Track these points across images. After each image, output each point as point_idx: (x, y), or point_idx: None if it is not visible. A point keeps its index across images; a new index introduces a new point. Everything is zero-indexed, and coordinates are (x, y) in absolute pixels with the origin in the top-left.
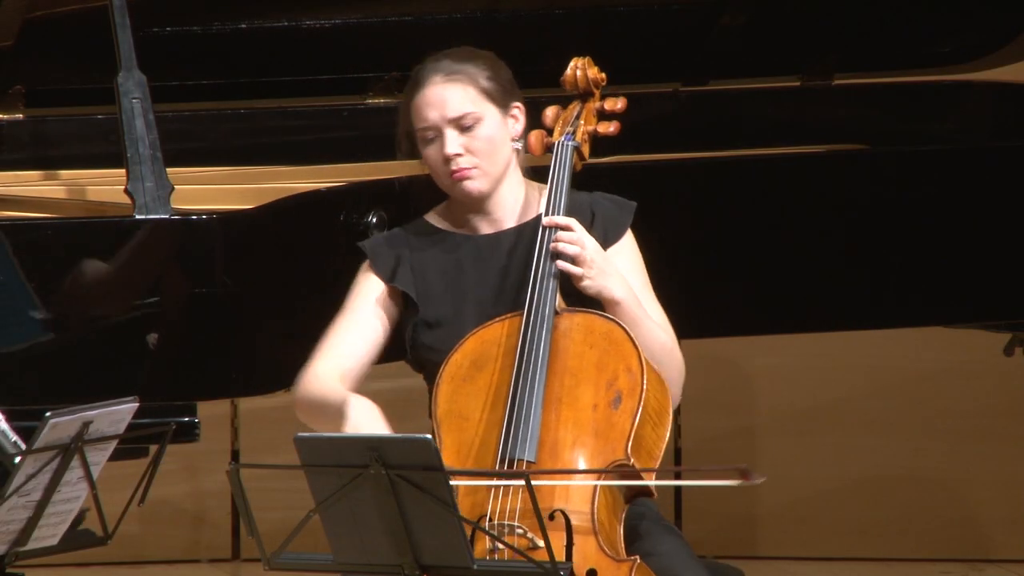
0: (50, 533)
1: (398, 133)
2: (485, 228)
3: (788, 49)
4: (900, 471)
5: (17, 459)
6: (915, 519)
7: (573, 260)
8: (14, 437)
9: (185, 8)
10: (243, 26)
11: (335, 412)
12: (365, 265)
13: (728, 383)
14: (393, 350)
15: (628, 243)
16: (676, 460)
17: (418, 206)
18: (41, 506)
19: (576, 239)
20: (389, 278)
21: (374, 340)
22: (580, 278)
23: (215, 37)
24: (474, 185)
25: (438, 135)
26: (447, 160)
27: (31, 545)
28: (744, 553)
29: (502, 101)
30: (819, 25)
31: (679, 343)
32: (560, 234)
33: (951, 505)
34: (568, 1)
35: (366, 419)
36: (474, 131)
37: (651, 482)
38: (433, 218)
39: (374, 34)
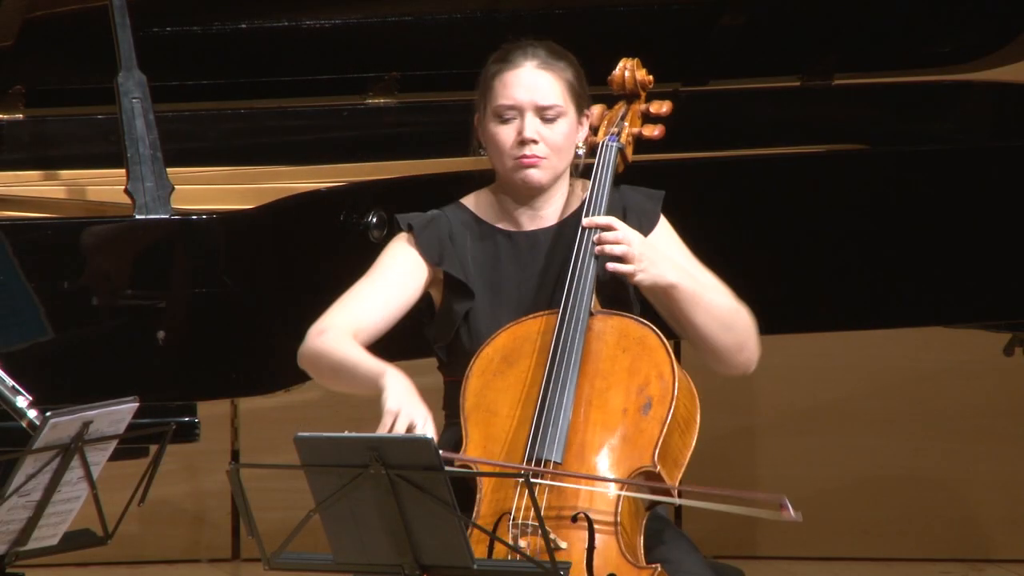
0: (50, 533)
1: (475, 104)
2: (527, 224)
3: (788, 49)
4: (900, 471)
5: (22, 402)
6: (915, 519)
7: (622, 259)
8: (11, 382)
9: (185, 8)
10: (243, 26)
11: (353, 375)
12: (406, 236)
13: (728, 383)
14: (398, 350)
15: (664, 227)
16: None
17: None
18: (41, 506)
19: (621, 237)
20: (437, 260)
21: (396, 305)
22: (633, 274)
23: (215, 37)
24: (537, 174)
25: (518, 116)
26: (521, 143)
27: (31, 545)
28: (744, 553)
29: (580, 104)
30: (819, 25)
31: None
32: (604, 235)
33: (951, 505)
34: (568, 1)
35: (406, 398)
36: (554, 124)
37: (671, 500)
38: (473, 206)
39: (374, 34)
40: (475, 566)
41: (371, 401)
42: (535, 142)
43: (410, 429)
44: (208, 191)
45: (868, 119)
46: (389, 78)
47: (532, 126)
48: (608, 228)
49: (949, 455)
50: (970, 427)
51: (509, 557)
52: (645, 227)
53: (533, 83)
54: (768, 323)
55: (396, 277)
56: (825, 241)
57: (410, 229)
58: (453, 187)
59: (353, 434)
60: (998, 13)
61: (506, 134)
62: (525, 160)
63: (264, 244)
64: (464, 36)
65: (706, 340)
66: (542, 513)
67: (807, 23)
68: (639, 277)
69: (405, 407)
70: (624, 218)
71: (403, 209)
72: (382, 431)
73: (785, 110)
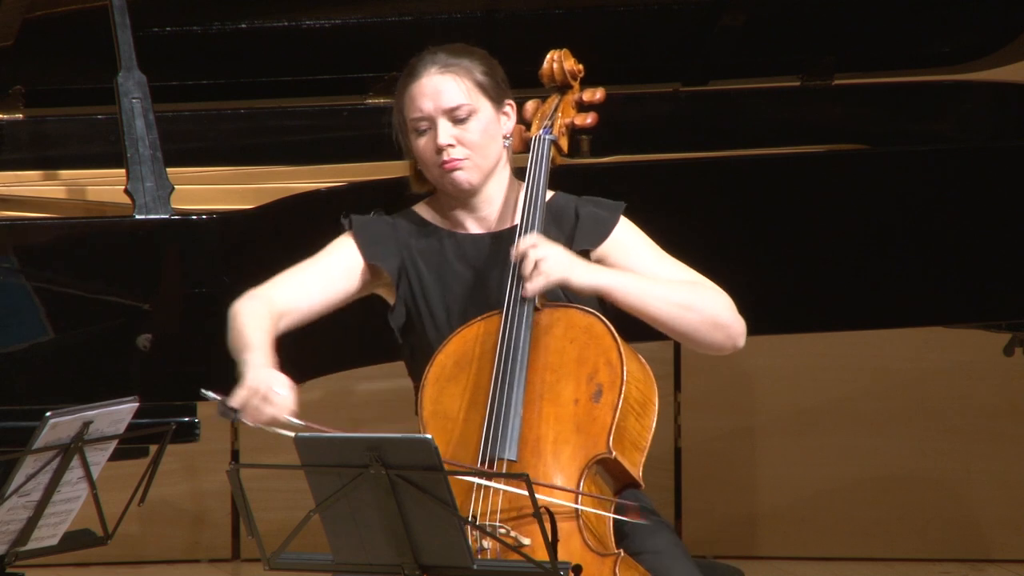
0: (50, 533)
1: (394, 127)
2: (473, 227)
3: (788, 49)
4: (900, 471)
5: None
6: (915, 519)
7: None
8: None
9: (185, 8)
10: (243, 26)
11: (235, 338)
12: (347, 234)
13: (728, 383)
14: (392, 351)
15: (624, 227)
16: (676, 460)
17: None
18: (41, 506)
19: (541, 256)
20: (370, 257)
21: (323, 292)
22: (565, 279)
23: (215, 37)
24: (464, 176)
25: (431, 126)
26: (439, 150)
27: (31, 545)
28: (744, 553)
29: (496, 96)
30: (819, 25)
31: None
32: (532, 258)
33: (951, 505)
34: (568, 1)
35: (263, 376)
36: (467, 123)
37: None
38: (423, 210)
39: (374, 34)
40: (475, 566)
41: (371, 402)
42: (452, 146)
43: (266, 395)
44: (208, 191)
45: (868, 119)
46: (389, 78)
47: (445, 131)
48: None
49: (949, 455)
50: (970, 427)
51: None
52: (597, 237)
53: (434, 89)
54: (768, 323)
55: (329, 267)
56: (825, 241)
57: (351, 226)
58: (405, 190)
59: (353, 434)
60: (998, 13)
61: (425, 145)
62: (447, 165)
63: (264, 244)
64: (464, 36)
65: (676, 326)
66: (500, 513)
67: (807, 23)
68: (533, 284)
69: (263, 380)
70: (575, 226)
71: (403, 209)
72: (236, 402)
73: (785, 110)
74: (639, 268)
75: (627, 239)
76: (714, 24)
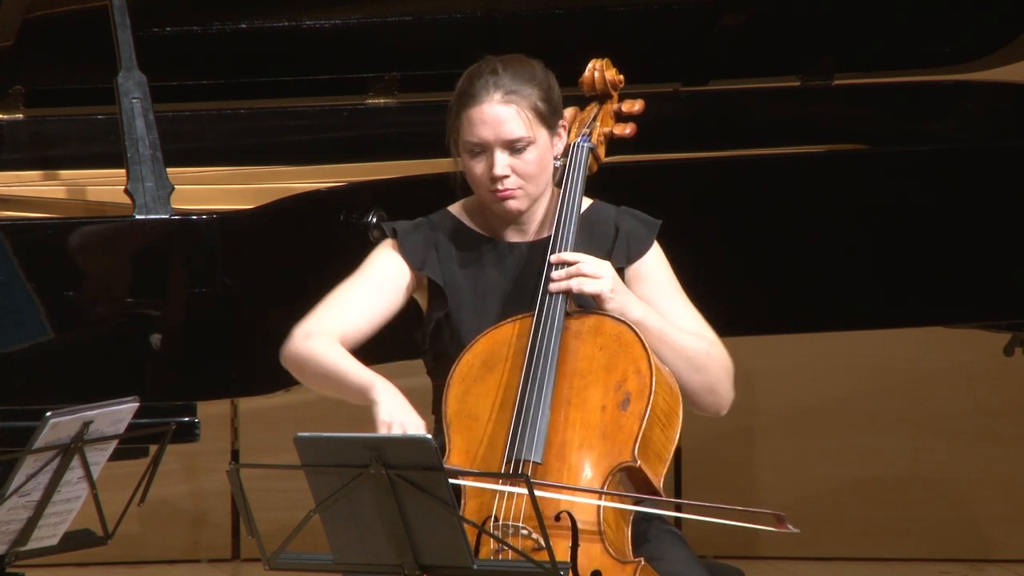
0: (50, 533)
1: (447, 131)
2: (512, 236)
3: (788, 49)
4: (900, 471)
5: None
6: (915, 519)
7: (595, 295)
8: None
9: (185, 8)
10: (243, 26)
11: (341, 383)
12: (391, 242)
13: None
14: (396, 349)
15: (655, 255)
16: (676, 460)
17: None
18: (41, 506)
19: (592, 272)
20: (419, 266)
21: (381, 311)
22: (604, 301)
23: (215, 37)
24: (515, 204)
25: (486, 151)
26: (493, 179)
27: (31, 545)
28: (744, 553)
29: (552, 123)
30: (819, 25)
31: None
32: (578, 267)
33: (951, 505)
34: (568, 1)
35: (398, 409)
36: (524, 154)
37: (669, 512)
38: (460, 214)
39: (374, 34)
40: (475, 566)
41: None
42: (507, 177)
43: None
44: (208, 191)
45: (868, 119)
46: (389, 78)
47: (502, 162)
48: (572, 264)
49: (949, 455)
50: (970, 427)
51: (494, 558)
52: (634, 253)
53: (495, 119)
54: (768, 323)
55: (381, 282)
56: (825, 241)
57: (395, 235)
58: (453, 187)
59: (353, 434)
60: (998, 13)
61: (478, 169)
62: (499, 194)
63: (264, 244)
64: (464, 36)
65: (678, 380)
66: (524, 514)
67: (807, 23)
68: (609, 305)
69: (398, 417)
70: (615, 239)
71: (403, 209)
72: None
73: (785, 110)
74: (655, 304)
75: (654, 270)
76: (714, 24)
